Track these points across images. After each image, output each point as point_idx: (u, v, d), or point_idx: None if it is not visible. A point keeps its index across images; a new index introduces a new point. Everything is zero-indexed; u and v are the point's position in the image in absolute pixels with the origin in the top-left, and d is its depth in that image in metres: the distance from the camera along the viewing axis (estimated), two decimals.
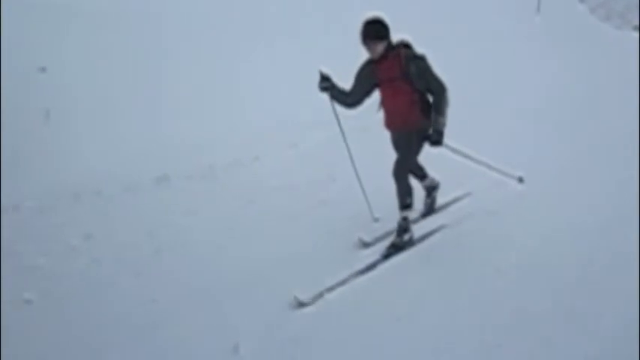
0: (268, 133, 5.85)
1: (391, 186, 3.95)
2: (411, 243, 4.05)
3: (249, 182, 5.07)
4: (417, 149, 4.02)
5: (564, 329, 3.11)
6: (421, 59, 3.84)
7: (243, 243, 4.09)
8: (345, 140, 4.15)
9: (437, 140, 3.80)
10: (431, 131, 3.80)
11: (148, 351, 3.03)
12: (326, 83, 3.92)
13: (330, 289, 3.52)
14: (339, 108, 4.02)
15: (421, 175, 4.44)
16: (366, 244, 4.01)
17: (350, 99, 3.96)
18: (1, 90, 6.27)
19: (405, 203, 4.02)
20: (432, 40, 8.50)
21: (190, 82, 6.55)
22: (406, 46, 3.91)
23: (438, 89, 3.81)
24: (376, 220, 4.24)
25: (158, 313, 3.34)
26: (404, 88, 3.84)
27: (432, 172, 4.39)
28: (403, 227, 4.06)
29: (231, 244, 4.07)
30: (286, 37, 7.80)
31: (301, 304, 3.36)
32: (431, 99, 3.88)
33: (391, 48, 3.83)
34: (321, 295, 3.46)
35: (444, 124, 3.81)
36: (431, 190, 4.51)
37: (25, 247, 4.10)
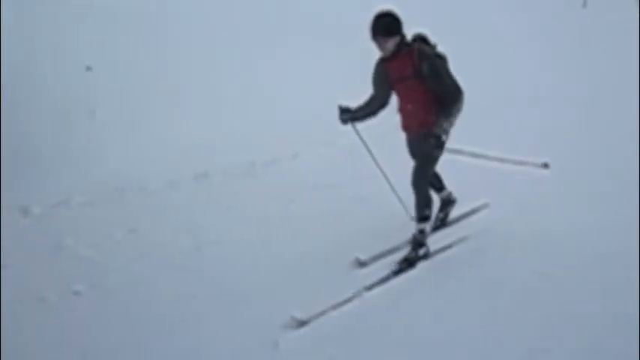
0: (306, 130, 5.91)
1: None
2: (426, 258, 3.80)
3: (288, 180, 5.13)
4: (437, 155, 3.72)
5: (612, 333, 3.03)
6: (435, 57, 3.56)
7: (283, 240, 4.13)
8: (373, 158, 4.06)
9: (433, 146, 3.49)
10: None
11: (187, 345, 3.09)
12: (346, 115, 3.79)
13: (369, 287, 3.53)
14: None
15: (439, 186, 4.19)
16: (362, 264, 3.73)
17: (373, 105, 3.80)
18: (49, 89, 6.53)
19: (423, 215, 3.77)
20: (478, 36, 8.45)
21: (232, 80, 6.66)
22: (423, 41, 3.64)
23: (451, 92, 3.51)
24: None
25: (197, 309, 3.40)
26: (418, 88, 3.58)
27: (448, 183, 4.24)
28: (419, 241, 3.79)
29: (271, 241, 4.13)
30: (318, 35, 7.83)
31: (342, 303, 3.38)
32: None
33: (405, 44, 3.56)
34: (360, 293, 3.46)
35: (444, 130, 3.51)
36: (447, 204, 4.25)
37: (74, 240, 4.25)
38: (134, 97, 6.32)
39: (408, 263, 3.72)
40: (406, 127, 3.86)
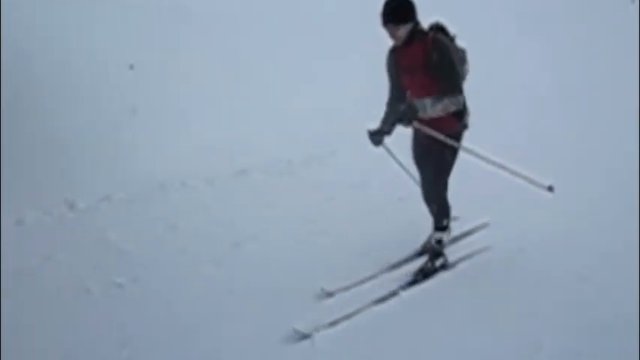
0: (345, 128, 5.89)
1: (461, 195, 3.65)
2: (444, 268, 3.60)
3: (325, 177, 5.13)
4: (451, 161, 3.47)
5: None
6: (450, 47, 3.28)
7: (321, 237, 4.14)
8: (409, 174, 3.80)
9: (406, 117, 3.24)
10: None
11: (222, 339, 3.12)
12: (376, 137, 3.46)
13: (404, 287, 3.50)
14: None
15: (439, 221, 3.72)
16: (329, 294, 3.41)
17: (397, 107, 3.45)
18: (92, 87, 6.71)
19: (441, 225, 3.57)
20: (523, 31, 8.27)
21: (272, 77, 6.71)
22: (441, 31, 3.36)
23: (449, 85, 3.23)
24: (455, 219, 4.14)
25: (234, 304, 3.43)
26: (426, 82, 3.27)
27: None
28: (436, 251, 3.59)
29: (308, 238, 4.14)
30: (357, 32, 7.80)
31: (380, 300, 3.36)
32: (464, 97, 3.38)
33: (419, 32, 3.28)
34: (394, 293, 3.44)
35: (419, 109, 3.24)
36: (438, 253, 3.72)
37: (117, 234, 4.36)
38: (175, 95, 6.43)
39: (423, 274, 3.54)
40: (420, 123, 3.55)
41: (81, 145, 5.89)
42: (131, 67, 7.11)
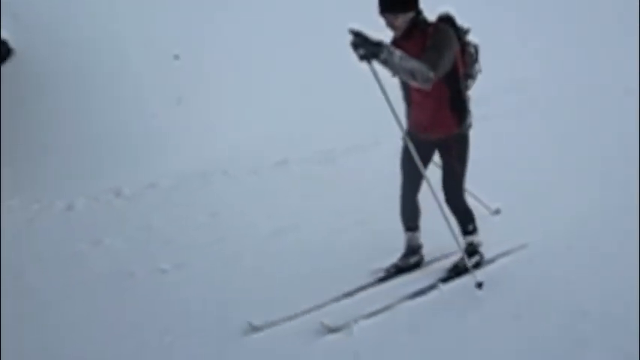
0: (389, 118, 5.84)
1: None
2: (478, 267, 3.42)
3: (367, 168, 5.08)
4: (461, 170, 3.25)
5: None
6: (448, 34, 2.94)
7: (360, 228, 4.12)
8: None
9: (365, 52, 2.71)
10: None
11: (262, 324, 3.15)
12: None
13: (444, 280, 3.45)
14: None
15: (413, 224, 3.54)
16: (255, 329, 3.10)
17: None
18: (138, 77, 6.86)
19: (468, 230, 3.45)
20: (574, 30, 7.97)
21: (314, 67, 6.69)
22: (448, 23, 3.07)
23: (427, 64, 2.78)
24: (496, 212, 4.04)
25: (274, 291, 3.45)
26: None
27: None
28: (470, 250, 3.45)
29: (348, 228, 4.13)
30: None
31: (416, 294, 3.33)
32: (466, 97, 3.18)
33: (422, 23, 3.01)
34: (435, 285, 3.40)
35: (388, 60, 2.72)
36: (413, 250, 3.58)
37: (160, 221, 4.47)
38: (218, 85, 6.51)
39: (456, 272, 3.42)
40: (416, 122, 3.27)
41: (127, 135, 6.05)
42: (176, 57, 7.23)
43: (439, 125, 3.18)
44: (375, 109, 6.08)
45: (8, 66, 7.38)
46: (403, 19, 2.97)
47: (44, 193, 5.05)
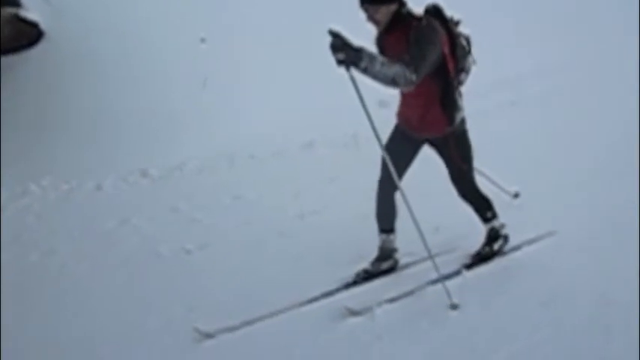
0: None
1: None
2: (501, 250, 3.42)
3: None
4: (460, 164, 3.16)
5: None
6: (431, 30, 2.74)
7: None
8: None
9: (343, 56, 2.57)
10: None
11: (286, 307, 3.18)
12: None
13: (468, 265, 3.42)
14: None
15: (389, 226, 3.36)
16: (207, 335, 2.98)
17: None
18: (164, 60, 6.91)
19: (487, 217, 3.38)
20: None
21: None
22: (436, 15, 2.86)
23: (409, 67, 2.63)
24: (516, 195, 3.95)
25: (298, 273, 3.48)
26: None
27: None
28: (493, 236, 3.41)
29: (372, 212, 4.11)
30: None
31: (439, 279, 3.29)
32: (458, 94, 3.03)
33: (405, 16, 2.80)
34: (459, 272, 3.37)
35: (368, 68, 2.58)
36: (386, 255, 3.42)
37: (186, 202, 4.52)
38: (245, 68, 6.51)
39: (480, 258, 3.39)
40: (405, 118, 3.16)
41: (154, 117, 6.10)
42: (202, 40, 7.26)
43: (428, 124, 3.05)
44: (398, 94, 6.06)
45: (39, 48, 7.52)
46: (385, 12, 2.78)
47: (74, 173, 5.15)
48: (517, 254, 3.47)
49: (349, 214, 4.12)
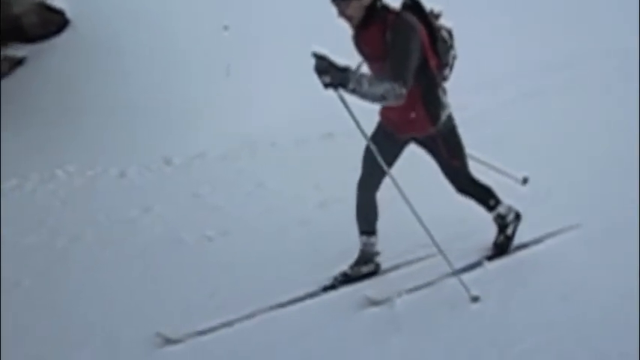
0: None
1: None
2: (514, 235, 3.33)
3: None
4: (459, 159, 3.07)
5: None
6: (409, 28, 2.59)
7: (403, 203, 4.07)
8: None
9: (330, 79, 2.49)
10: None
11: (306, 295, 3.20)
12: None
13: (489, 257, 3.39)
14: None
15: (370, 228, 3.26)
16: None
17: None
18: (186, 47, 6.95)
19: (490, 205, 3.24)
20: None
21: None
22: (414, 8, 2.70)
23: (393, 72, 2.54)
24: (525, 181, 3.87)
25: (318, 261, 3.49)
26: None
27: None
28: (501, 223, 3.30)
29: (395, 200, 4.08)
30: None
31: (460, 271, 3.28)
32: (443, 93, 2.91)
33: (380, 10, 2.64)
34: (480, 263, 3.34)
35: (357, 89, 2.50)
36: (367, 258, 3.31)
37: (208, 190, 4.57)
38: (267, 56, 6.52)
39: (500, 249, 3.32)
40: (386, 118, 3.06)
41: (177, 105, 6.16)
42: (225, 28, 7.27)
43: (411, 125, 2.92)
44: None
45: (64, 36, 7.62)
46: (357, 6, 2.61)
47: (98, 160, 5.24)
48: (539, 247, 3.41)
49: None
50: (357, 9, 2.63)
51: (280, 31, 6.88)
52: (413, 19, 2.66)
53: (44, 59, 7.27)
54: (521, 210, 3.41)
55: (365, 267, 3.30)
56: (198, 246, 3.81)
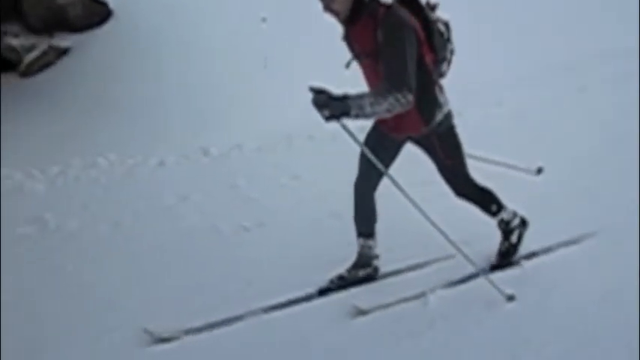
0: (474, 89, 5.66)
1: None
2: (520, 241, 3.18)
3: None
4: (456, 160, 2.94)
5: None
6: (401, 25, 2.44)
7: (444, 199, 4.04)
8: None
9: (330, 112, 2.48)
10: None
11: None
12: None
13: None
14: None
15: (368, 230, 3.17)
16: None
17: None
18: (225, 40, 7.03)
19: (492, 211, 3.10)
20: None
21: None
22: (405, 1, 2.56)
23: (393, 79, 2.45)
24: (539, 171, 3.73)
25: (351, 255, 3.45)
26: (382, 70, 2.53)
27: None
28: (506, 229, 3.15)
29: (432, 198, 4.07)
30: None
31: (495, 268, 3.26)
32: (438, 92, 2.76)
33: (370, 4, 2.51)
34: (518, 261, 3.31)
35: (360, 114, 2.49)
36: (365, 261, 3.20)
37: (245, 181, 4.63)
38: (305, 48, 6.54)
39: (504, 257, 3.18)
40: (380, 121, 2.89)
41: (215, 96, 6.25)
42: (263, 20, 7.33)
43: (403, 126, 2.77)
44: (461, 76, 5.92)
45: (107, 27, 7.80)
46: (343, 0, 2.49)
47: (139, 149, 5.36)
48: (574, 248, 3.36)
49: (404, 199, 4.10)
50: (343, 3, 2.50)
51: (317, 24, 6.88)
52: (405, 13, 2.53)
53: (88, 49, 7.47)
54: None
55: (362, 270, 3.19)
56: (235, 236, 3.87)
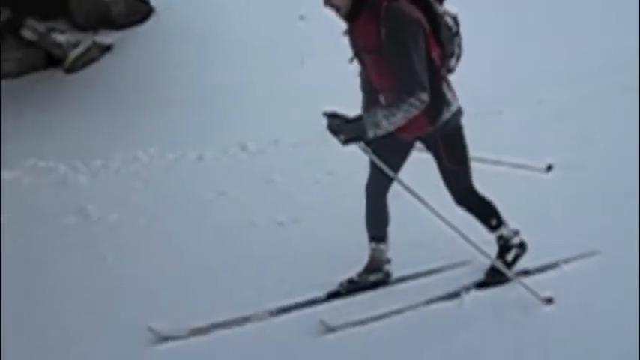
0: (514, 86, 5.57)
1: None
2: (516, 261, 3.05)
3: (488, 137, 4.87)
4: (460, 165, 2.84)
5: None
6: (409, 22, 2.35)
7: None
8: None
9: (347, 136, 2.44)
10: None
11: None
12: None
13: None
14: None
15: (379, 233, 3.09)
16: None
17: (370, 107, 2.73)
18: (263, 37, 7.09)
19: (492, 224, 2.98)
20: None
21: None
22: None
23: (404, 82, 2.37)
24: (549, 168, 3.69)
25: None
26: (387, 67, 2.44)
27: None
28: (504, 245, 3.03)
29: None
30: None
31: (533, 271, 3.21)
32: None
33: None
34: (556, 264, 3.24)
35: (378, 133, 2.42)
36: (376, 266, 3.12)
37: (281, 176, 4.67)
38: (342, 46, 6.52)
39: (494, 275, 3.01)
40: None
41: (253, 92, 6.33)
42: (301, 17, 7.36)
43: (409, 125, 2.57)
44: (499, 72, 5.83)
45: (149, 24, 7.98)
46: None
47: (178, 144, 5.47)
48: (551, 273, 3.22)
49: (439, 197, 4.04)
50: None
51: None
52: (409, 6, 2.43)
53: (130, 46, 7.66)
54: None
55: (373, 275, 3.12)
56: (270, 231, 3.91)
